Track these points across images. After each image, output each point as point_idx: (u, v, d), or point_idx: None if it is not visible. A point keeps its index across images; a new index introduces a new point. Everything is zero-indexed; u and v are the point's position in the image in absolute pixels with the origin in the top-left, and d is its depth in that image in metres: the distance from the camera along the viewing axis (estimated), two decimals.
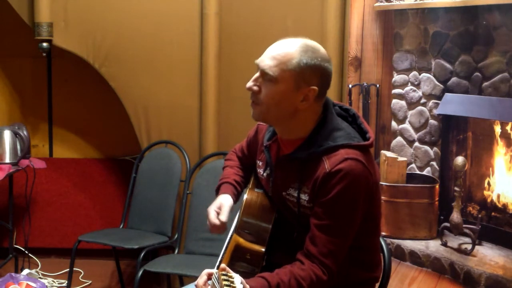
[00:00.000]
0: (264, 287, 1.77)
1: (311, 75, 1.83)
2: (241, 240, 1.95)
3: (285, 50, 1.84)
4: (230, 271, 1.67)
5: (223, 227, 2.04)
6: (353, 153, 1.82)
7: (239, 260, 1.94)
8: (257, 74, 1.89)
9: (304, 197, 1.88)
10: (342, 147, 1.84)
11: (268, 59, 1.86)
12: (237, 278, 1.62)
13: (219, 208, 2.07)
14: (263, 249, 1.94)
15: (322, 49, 1.88)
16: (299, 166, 1.89)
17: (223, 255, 2.02)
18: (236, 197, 2.16)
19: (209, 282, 1.74)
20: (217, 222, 2.03)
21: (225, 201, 2.09)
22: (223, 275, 1.62)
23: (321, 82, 1.86)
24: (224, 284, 1.56)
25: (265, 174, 2.04)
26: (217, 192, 2.18)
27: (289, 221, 1.98)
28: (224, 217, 2.03)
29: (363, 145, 1.86)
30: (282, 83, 1.84)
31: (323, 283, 1.82)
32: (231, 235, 2.03)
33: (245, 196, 2.04)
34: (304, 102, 1.85)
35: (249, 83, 1.90)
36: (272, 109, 1.87)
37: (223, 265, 1.71)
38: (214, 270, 1.77)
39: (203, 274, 1.77)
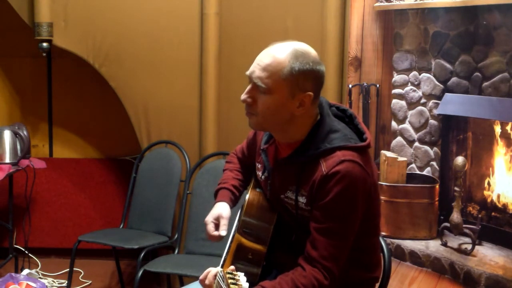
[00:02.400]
0: None
1: (304, 80, 1.82)
2: (243, 240, 1.95)
3: (275, 59, 1.81)
4: (235, 271, 1.69)
5: (221, 238, 2.03)
6: (350, 155, 1.81)
7: (241, 259, 1.94)
8: (250, 86, 1.86)
9: (302, 199, 1.87)
10: (338, 149, 1.83)
11: (259, 71, 1.83)
12: (243, 277, 1.63)
13: (217, 219, 2.05)
14: (265, 249, 1.94)
15: (312, 52, 1.85)
16: (296, 169, 1.88)
17: (226, 254, 2.03)
18: (234, 203, 2.15)
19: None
20: (215, 234, 2.02)
21: (223, 211, 2.07)
22: (229, 273, 1.63)
23: (315, 86, 1.84)
24: (230, 283, 1.57)
25: (263, 177, 2.03)
26: (215, 196, 2.18)
27: (288, 223, 1.98)
28: (223, 231, 2.01)
29: (359, 146, 1.85)
30: (276, 93, 1.82)
31: (325, 287, 1.81)
32: (233, 235, 2.03)
33: (247, 196, 2.04)
34: (301, 108, 1.84)
35: (243, 96, 1.87)
36: (269, 119, 1.86)
37: (232, 267, 1.71)
38: (219, 269, 1.78)
39: (211, 270, 1.79)
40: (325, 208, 1.80)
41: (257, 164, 2.09)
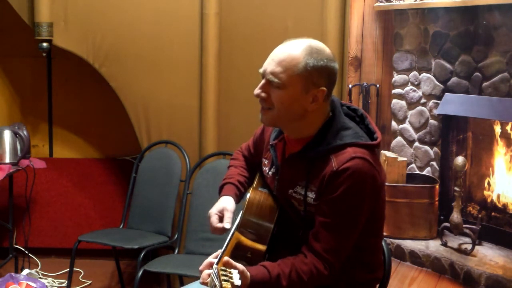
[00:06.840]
0: (265, 276, 1.79)
1: (318, 76, 1.84)
2: (243, 238, 1.95)
3: (290, 54, 1.83)
4: (233, 262, 1.70)
5: (224, 231, 2.03)
6: (361, 152, 1.83)
7: (240, 258, 1.94)
8: (264, 81, 1.88)
9: (311, 195, 1.88)
10: (349, 146, 1.84)
11: (273, 65, 1.85)
12: (236, 274, 1.63)
13: (221, 212, 2.05)
14: (264, 248, 1.94)
15: (327, 49, 1.88)
16: (306, 164, 1.89)
17: (223, 252, 2.03)
18: (239, 198, 2.15)
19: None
20: (219, 226, 2.01)
21: (227, 204, 2.07)
22: (222, 270, 1.64)
23: (328, 82, 1.86)
24: (223, 279, 1.58)
25: (270, 173, 2.04)
26: (220, 191, 2.18)
27: (293, 220, 1.98)
28: (227, 224, 2.00)
29: (370, 145, 1.87)
30: (291, 88, 1.83)
31: (324, 277, 1.83)
32: (233, 233, 2.03)
33: (248, 195, 2.05)
34: (314, 104, 1.86)
35: (257, 90, 1.89)
36: (282, 114, 1.87)
37: (226, 258, 1.72)
38: (215, 261, 1.79)
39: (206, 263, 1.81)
40: (333, 202, 1.82)
41: (263, 160, 2.10)
